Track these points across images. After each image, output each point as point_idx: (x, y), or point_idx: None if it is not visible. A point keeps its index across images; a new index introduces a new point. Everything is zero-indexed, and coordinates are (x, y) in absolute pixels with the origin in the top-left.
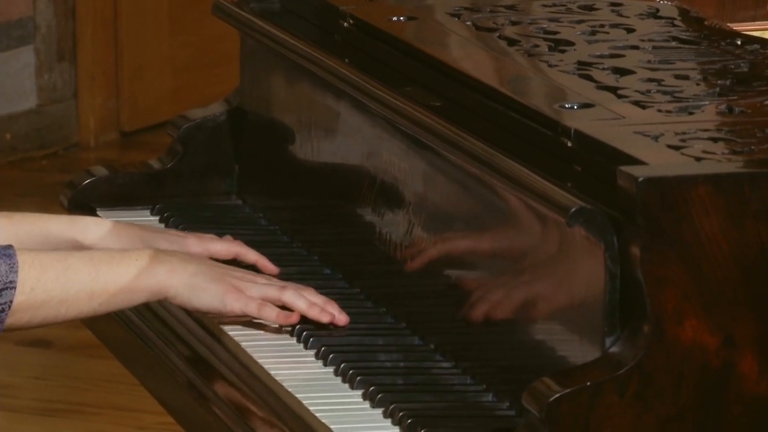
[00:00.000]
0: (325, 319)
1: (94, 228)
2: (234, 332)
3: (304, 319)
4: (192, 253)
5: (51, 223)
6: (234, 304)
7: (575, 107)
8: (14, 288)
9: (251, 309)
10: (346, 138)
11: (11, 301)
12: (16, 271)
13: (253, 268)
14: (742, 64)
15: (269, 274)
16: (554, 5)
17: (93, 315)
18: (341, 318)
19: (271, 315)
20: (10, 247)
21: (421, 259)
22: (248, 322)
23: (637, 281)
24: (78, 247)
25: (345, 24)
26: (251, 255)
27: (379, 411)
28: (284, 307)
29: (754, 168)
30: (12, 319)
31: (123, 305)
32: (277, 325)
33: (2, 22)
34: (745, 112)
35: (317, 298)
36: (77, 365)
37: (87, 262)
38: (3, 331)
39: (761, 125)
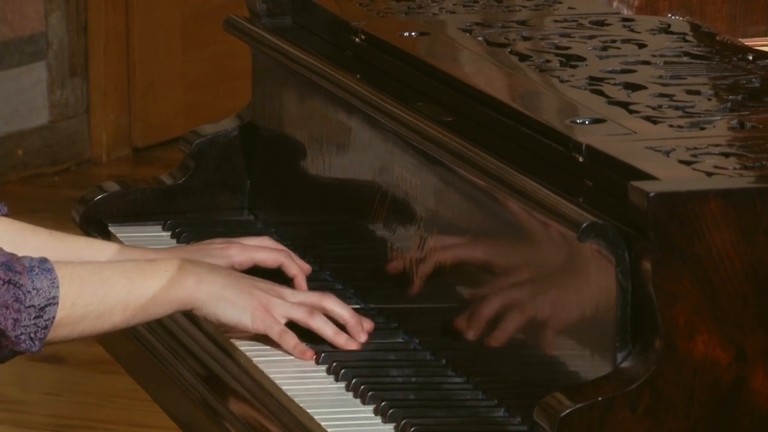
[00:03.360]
0: (352, 347)
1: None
2: (245, 347)
3: (316, 335)
4: (219, 264)
5: (101, 254)
6: (259, 323)
7: (587, 122)
8: (57, 304)
9: (273, 333)
10: (358, 153)
11: (54, 317)
12: (58, 287)
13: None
14: (753, 80)
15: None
16: (566, 20)
17: (125, 326)
18: (367, 326)
19: (289, 345)
20: (46, 260)
21: (433, 274)
22: (260, 336)
23: (649, 296)
24: None
25: (356, 39)
26: (293, 269)
27: (390, 426)
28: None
29: (766, 183)
30: (52, 334)
31: (153, 316)
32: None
33: (14, 38)
34: (757, 127)
35: (343, 311)
36: (90, 381)
37: (121, 274)
38: (43, 347)
39: None
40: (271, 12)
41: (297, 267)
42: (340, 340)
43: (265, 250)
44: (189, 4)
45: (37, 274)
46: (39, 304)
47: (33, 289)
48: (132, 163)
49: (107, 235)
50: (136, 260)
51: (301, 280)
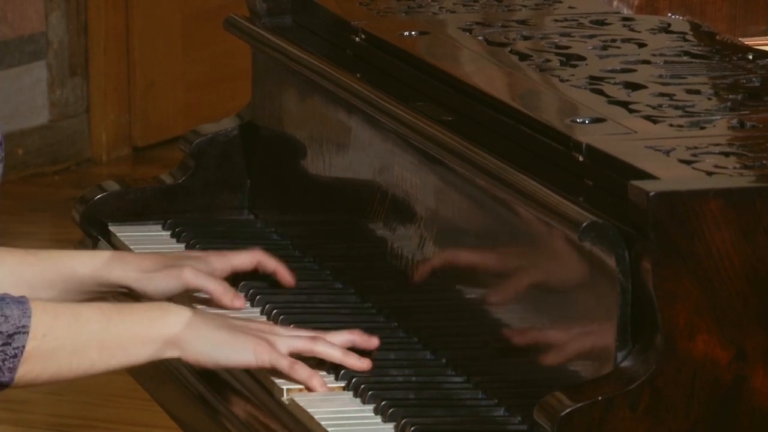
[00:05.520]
0: (363, 366)
1: (118, 262)
2: None
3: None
4: (200, 269)
5: (75, 260)
6: (265, 357)
7: (587, 122)
8: (27, 333)
9: (283, 366)
10: (358, 153)
11: (23, 346)
12: (29, 316)
13: (270, 278)
14: (753, 79)
15: (286, 285)
16: (566, 20)
17: (106, 370)
18: (373, 342)
19: (303, 375)
20: (23, 297)
21: (433, 273)
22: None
23: (649, 295)
24: (104, 282)
25: (357, 39)
26: (271, 263)
27: (390, 426)
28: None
29: (766, 182)
30: (24, 368)
31: (135, 358)
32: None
33: (15, 38)
34: (757, 126)
35: (342, 337)
36: (90, 381)
37: (97, 312)
38: (15, 382)
39: None
40: (271, 11)
41: (275, 261)
42: (351, 360)
43: (240, 253)
44: (189, 4)
45: (7, 303)
46: (7, 331)
47: (1, 316)
48: (132, 163)
49: (107, 235)
50: (116, 303)
51: (283, 273)
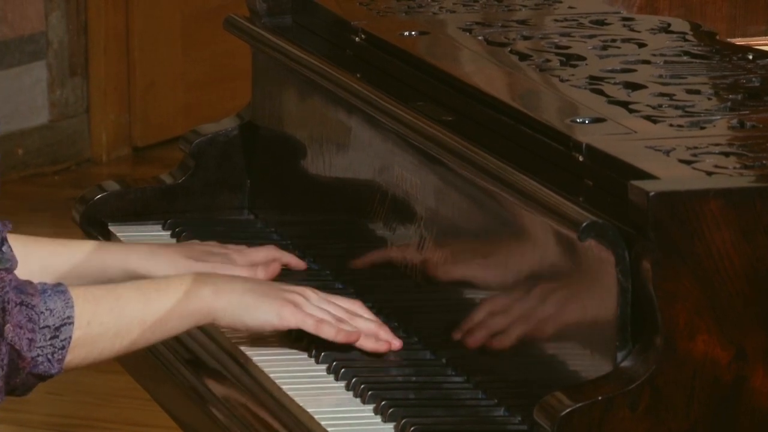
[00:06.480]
0: (382, 349)
1: (148, 255)
2: (245, 346)
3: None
4: (237, 272)
5: (106, 253)
6: (290, 318)
7: (587, 122)
8: (72, 323)
9: (309, 325)
10: (358, 153)
11: (70, 337)
12: (72, 306)
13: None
14: (753, 79)
15: (300, 269)
16: (566, 20)
17: (146, 345)
18: (396, 343)
19: (330, 333)
20: (60, 284)
21: (433, 273)
22: (261, 336)
23: (649, 295)
24: (135, 276)
25: (357, 39)
26: (285, 257)
27: (390, 425)
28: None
29: (766, 182)
30: (71, 355)
31: (173, 332)
32: (292, 337)
33: (15, 38)
34: (757, 126)
35: (371, 324)
36: (90, 380)
37: (136, 291)
38: (63, 370)
39: None
40: (271, 11)
41: (288, 255)
42: (369, 344)
43: (258, 249)
44: (189, 4)
45: (49, 295)
46: (54, 325)
47: (46, 309)
48: (132, 163)
49: (107, 235)
50: (151, 279)
51: (296, 262)
